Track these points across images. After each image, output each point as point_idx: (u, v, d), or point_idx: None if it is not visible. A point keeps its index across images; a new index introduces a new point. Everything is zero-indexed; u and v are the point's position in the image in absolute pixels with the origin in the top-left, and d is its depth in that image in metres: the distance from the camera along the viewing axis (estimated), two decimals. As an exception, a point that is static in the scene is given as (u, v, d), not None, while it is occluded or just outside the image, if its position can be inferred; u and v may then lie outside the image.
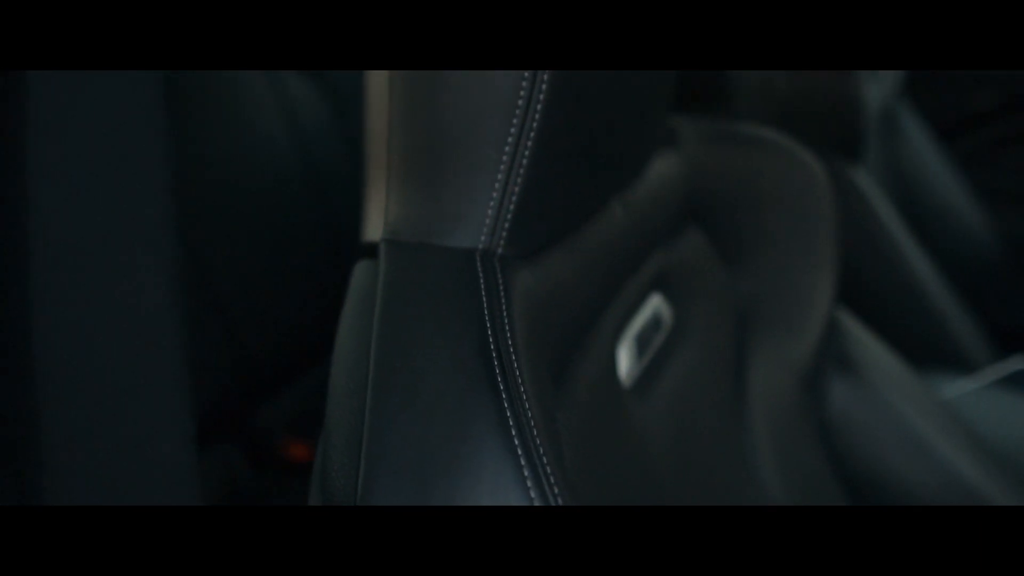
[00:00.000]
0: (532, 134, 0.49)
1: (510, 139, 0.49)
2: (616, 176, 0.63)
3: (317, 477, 0.48)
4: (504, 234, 0.50)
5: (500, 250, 0.50)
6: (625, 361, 0.63)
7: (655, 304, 0.69)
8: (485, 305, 0.47)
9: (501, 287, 0.48)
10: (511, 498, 0.41)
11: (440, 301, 0.48)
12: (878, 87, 1.50)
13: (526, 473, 0.42)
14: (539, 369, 0.48)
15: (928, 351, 1.19)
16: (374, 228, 0.55)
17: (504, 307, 0.48)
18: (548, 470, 0.42)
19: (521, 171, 0.49)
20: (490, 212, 0.50)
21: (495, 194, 0.50)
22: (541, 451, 0.43)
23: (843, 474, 0.85)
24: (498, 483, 0.42)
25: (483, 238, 0.50)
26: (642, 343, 0.65)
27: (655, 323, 0.68)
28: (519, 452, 0.42)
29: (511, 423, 0.43)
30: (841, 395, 0.85)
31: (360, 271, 0.54)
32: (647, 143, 0.68)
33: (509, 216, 0.50)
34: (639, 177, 0.68)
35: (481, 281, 0.48)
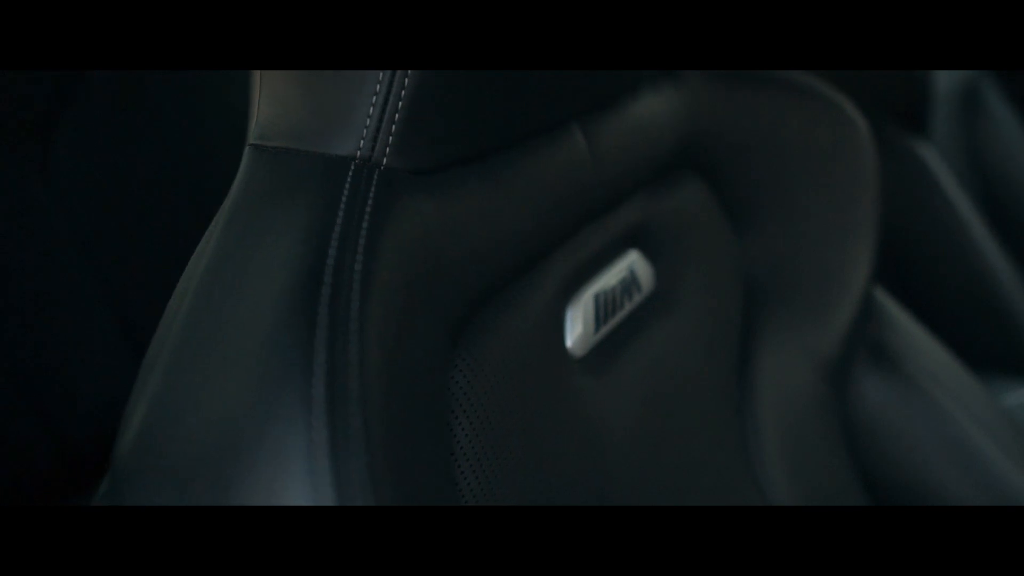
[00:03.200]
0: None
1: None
2: (575, 94, 0.50)
3: None
4: (390, 140, 0.39)
5: (385, 160, 0.39)
6: (578, 324, 0.51)
7: (631, 261, 0.57)
8: (339, 222, 0.36)
9: (369, 203, 0.37)
10: (289, 477, 0.30)
11: (288, 216, 0.37)
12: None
13: (315, 442, 0.30)
14: (410, 312, 0.37)
15: (993, 353, 1.04)
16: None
17: (366, 227, 0.36)
18: (354, 443, 0.30)
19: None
20: (372, 111, 0.39)
21: (379, 87, 0.39)
22: (352, 409, 0.31)
23: (871, 483, 0.72)
24: (279, 453, 0.30)
25: (363, 143, 0.39)
26: (606, 305, 0.53)
27: (628, 283, 0.56)
28: (323, 412, 0.31)
29: (320, 370, 0.31)
30: (873, 391, 0.72)
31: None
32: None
33: (397, 116, 0.39)
34: (614, 104, 0.55)
35: (345, 194, 0.37)
